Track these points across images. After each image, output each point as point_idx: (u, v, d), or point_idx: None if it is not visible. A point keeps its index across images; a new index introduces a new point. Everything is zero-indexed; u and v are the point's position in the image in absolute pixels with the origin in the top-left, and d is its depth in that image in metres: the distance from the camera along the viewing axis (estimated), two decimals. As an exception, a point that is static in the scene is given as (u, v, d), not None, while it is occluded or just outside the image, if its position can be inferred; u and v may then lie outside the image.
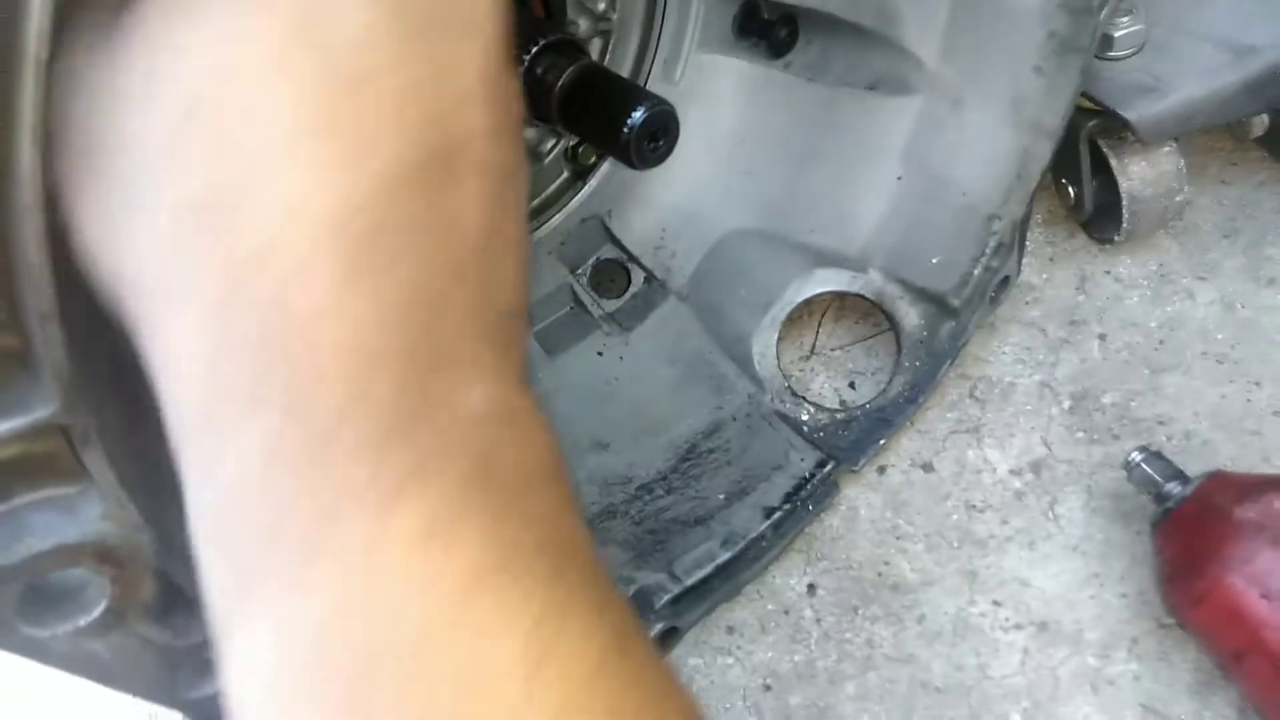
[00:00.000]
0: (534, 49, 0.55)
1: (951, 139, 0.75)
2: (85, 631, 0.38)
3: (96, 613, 0.38)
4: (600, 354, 0.85)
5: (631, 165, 0.55)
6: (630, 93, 0.54)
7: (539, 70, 0.56)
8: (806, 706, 0.71)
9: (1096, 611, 0.70)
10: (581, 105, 0.55)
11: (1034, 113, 0.71)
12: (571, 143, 0.80)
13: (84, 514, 0.37)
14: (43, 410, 0.33)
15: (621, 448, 0.80)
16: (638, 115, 0.52)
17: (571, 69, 0.55)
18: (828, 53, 0.80)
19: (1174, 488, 0.65)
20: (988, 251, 0.75)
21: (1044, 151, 0.71)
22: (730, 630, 0.74)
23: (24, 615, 0.36)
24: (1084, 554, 0.72)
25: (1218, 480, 0.64)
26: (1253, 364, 0.79)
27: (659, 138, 0.54)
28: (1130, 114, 0.74)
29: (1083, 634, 0.69)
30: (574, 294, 0.86)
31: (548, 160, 0.79)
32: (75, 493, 0.37)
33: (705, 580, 0.72)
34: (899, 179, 0.79)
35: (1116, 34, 0.75)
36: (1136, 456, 0.67)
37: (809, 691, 0.71)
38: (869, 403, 0.80)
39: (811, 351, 0.86)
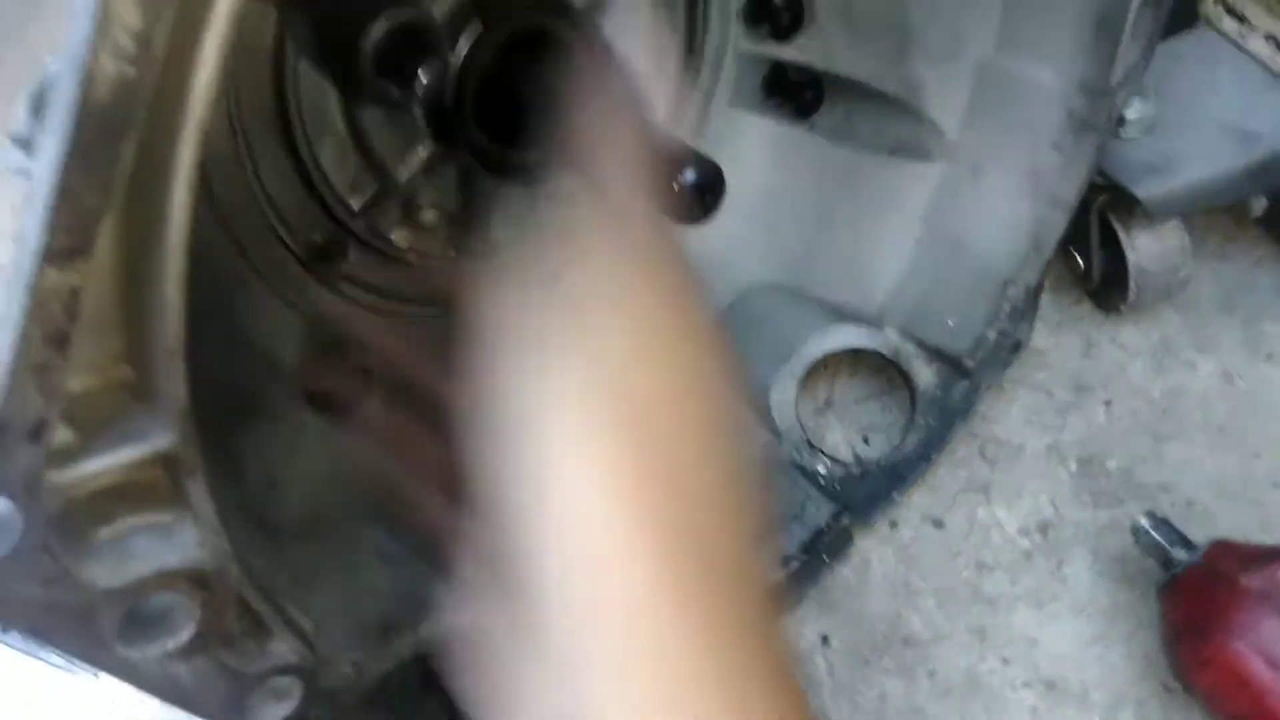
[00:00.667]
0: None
1: (970, 206, 0.79)
2: (172, 654, 0.40)
3: (185, 636, 0.39)
4: (622, 399, 0.87)
5: (679, 221, 0.57)
6: (679, 152, 0.57)
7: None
8: (819, 756, 0.72)
9: (1103, 672, 0.72)
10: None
11: (1050, 186, 0.74)
12: (606, 194, 0.82)
13: (180, 540, 0.38)
14: (160, 440, 0.35)
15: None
16: (688, 175, 0.55)
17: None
18: (852, 116, 0.84)
19: (1181, 554, 0.67)
20: (1002, 316, 0.78)
21: (1059, 223, 0.75)
22: (748, 675, 0.75)
23: (122, 637, 0.38)
24: (1090, 615, 0.75)
25: (1223, 548, 0.66)
26: (1251, 436, 0.82)
27: (706, 194, 0.57)
28: (1140, 191, 0.78)
29: (1089, 694, 0.72)
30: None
31: (582, 210, 0.81)
32: (172, 520, 0.38)
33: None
34: (918, 241, 0.82)
35: (1129, 115, 0.79)
36: (1144, 522, 0.70)
37: (822, 742, 0.73)
38: (883, 458, 0.82)
39: (827, 404, 0.89)
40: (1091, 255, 0.86)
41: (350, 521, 0.71)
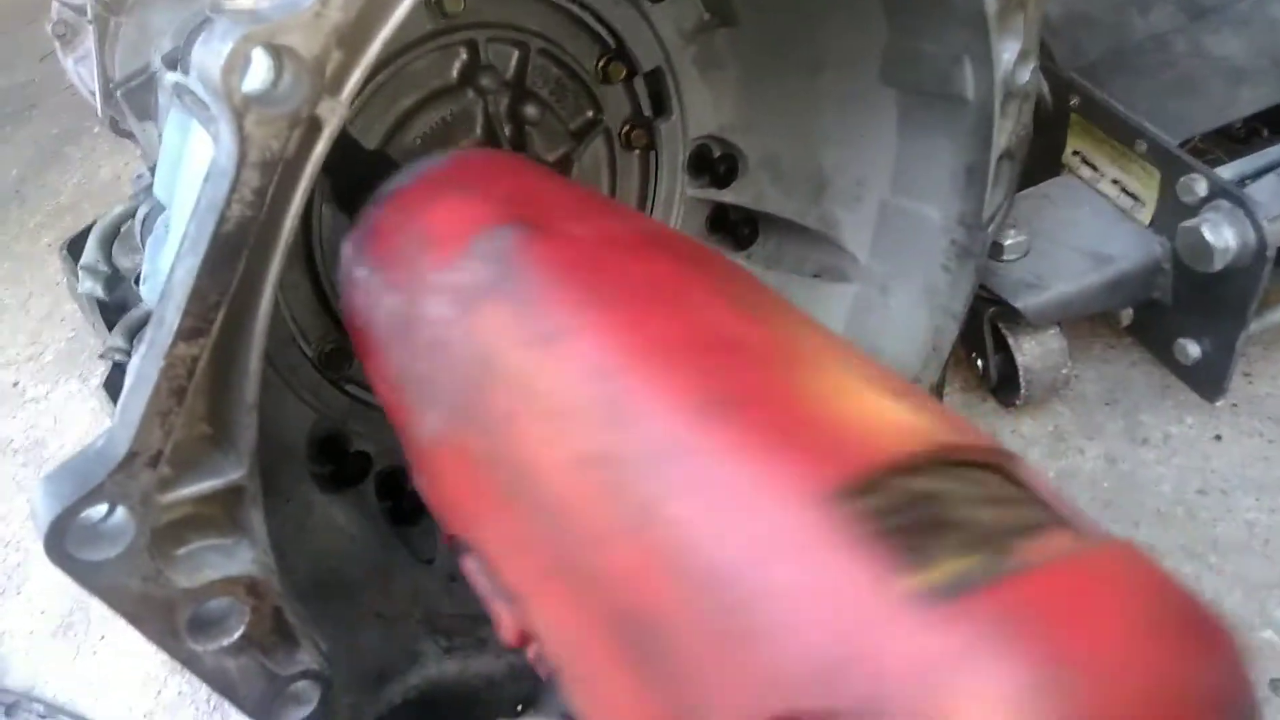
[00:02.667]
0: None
1: (880, 318, 0.94)
2: (225, 650, 0.51)
3: (236, 635, 0.51)
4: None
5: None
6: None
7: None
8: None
9: None
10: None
11: (943, 300, 0.90)
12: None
13: (239, 557, 0.50)
14: (234, 474, 0.48)
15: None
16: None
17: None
18: (781, 247, 1.00)
19: None
20: (910, 409, 0.92)
21: (952, 330, 0.90)
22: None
23: (190, 631, 0.49)
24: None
25: None
26: (1132, 509, 0.96)
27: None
28: (1019, 304, 0.94)
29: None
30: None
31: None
32: (232, 543, 0.51)
33: None
34: (839, 349, 0.97)
35: (1006, 243, 0.95)
36: None
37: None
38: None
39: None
40: (988, 359, 1.01)
41: (349, 587, 0.82)
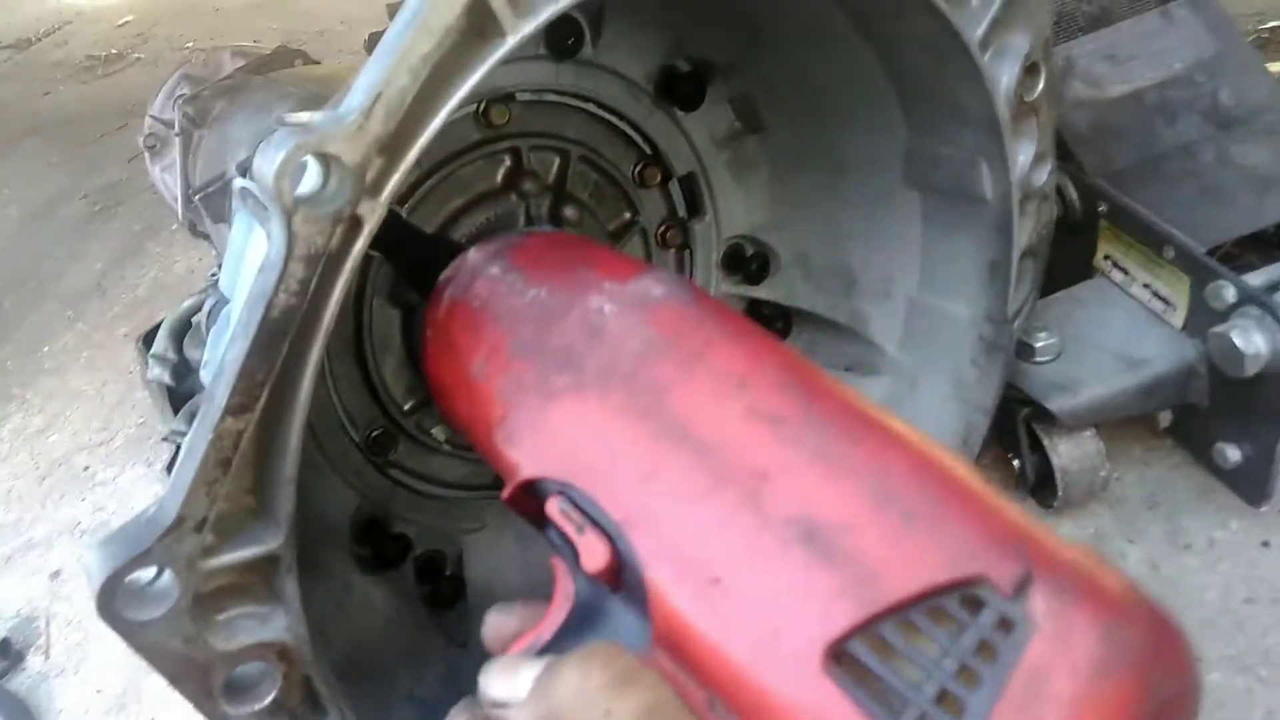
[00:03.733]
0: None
1: (910, 411, 0.95)
2: (257, 715, 0.54)
3: (268, 700, 0.54)
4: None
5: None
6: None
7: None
8: None
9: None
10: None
11: (973, 395, 0.91)
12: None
13: (274, 624, 0.53)
14: (273, 543, 0.51)
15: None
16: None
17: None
18: (815, 341, 1.03)
19: None
20: (942, 505, 0.93)
21: (982, 425, 0.91)
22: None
23: (225, 694, 0.52)
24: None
25: None
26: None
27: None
28: (1052, 406, 0.95)
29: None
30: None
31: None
32: (268, 611, 0.54)
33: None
34: (871, 444, 0.98)
35: (1036, 344, 0.97)
36: None
37: None
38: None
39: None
40: (1024, 459, 1.01)
41: (384, 668, 0.84)
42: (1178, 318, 0.96)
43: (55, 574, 1.24)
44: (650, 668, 0.43)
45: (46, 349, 1.68)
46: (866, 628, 0.37)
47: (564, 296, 0.58)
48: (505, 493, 0.54)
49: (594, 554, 0.46)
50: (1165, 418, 1.03)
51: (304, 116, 0.45)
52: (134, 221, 2.06)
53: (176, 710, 1.07)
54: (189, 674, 0.50)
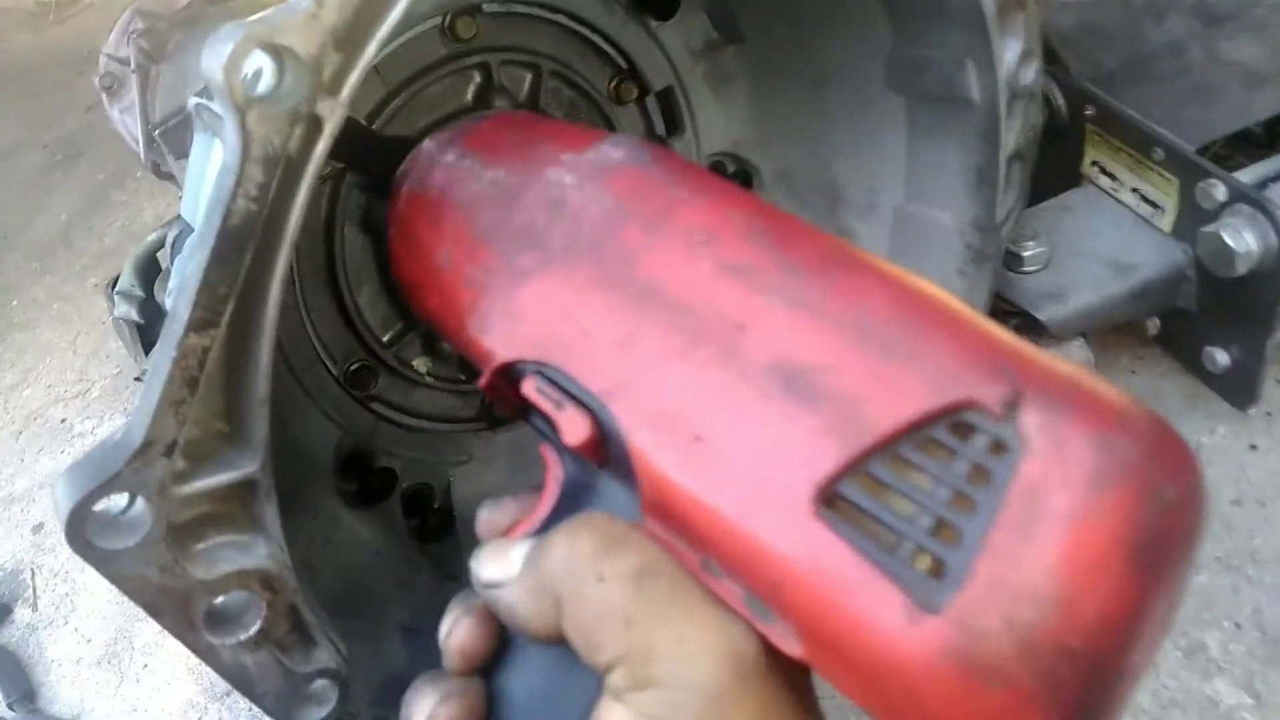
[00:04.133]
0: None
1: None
2: (242, 645, 0.52)
3: (253, 630, 0.52)
4: (613, 505, 1.00)
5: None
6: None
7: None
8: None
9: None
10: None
11: (960, 307, 0.90)
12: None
13: (254, 552, 0.52)
14: (249, 468, 0.50)
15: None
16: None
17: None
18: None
19: None
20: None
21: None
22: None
23: (208, 624, 0.51)
24: None
25: None
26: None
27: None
28: (1041, 315, 0.93)
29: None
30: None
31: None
32: (248, 540, 0.52)
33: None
34: (860, 361, 0.97)
35: (1025, 254, 0.95)
36: None
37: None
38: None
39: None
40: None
41: (375, 601, 0.83)
42: (1166, 221, 0.95)
43: (38, 527, 1.22)
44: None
45: (15, 303, 1.64)
46: (855, 467, 0.36)
47: (522, 174, 0.57)
48: (482, 380, 0.52)
49: (575, 427, 0.45)
50: (1153, 325, 1.02)
51: (257, 16, 0.43)
52: (97, 171, 2.01)
53: (168, 656, 1.07)
54: (168, 604, 0.48)
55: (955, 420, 0.36)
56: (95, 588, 1.15)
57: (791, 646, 0.38)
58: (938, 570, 0.34)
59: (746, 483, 0.38)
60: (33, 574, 1.18)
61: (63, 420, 1.34)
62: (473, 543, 0.91)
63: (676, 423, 0.41)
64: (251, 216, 0.43)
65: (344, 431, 0.84)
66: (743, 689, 0.38)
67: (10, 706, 1.05)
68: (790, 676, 0.40)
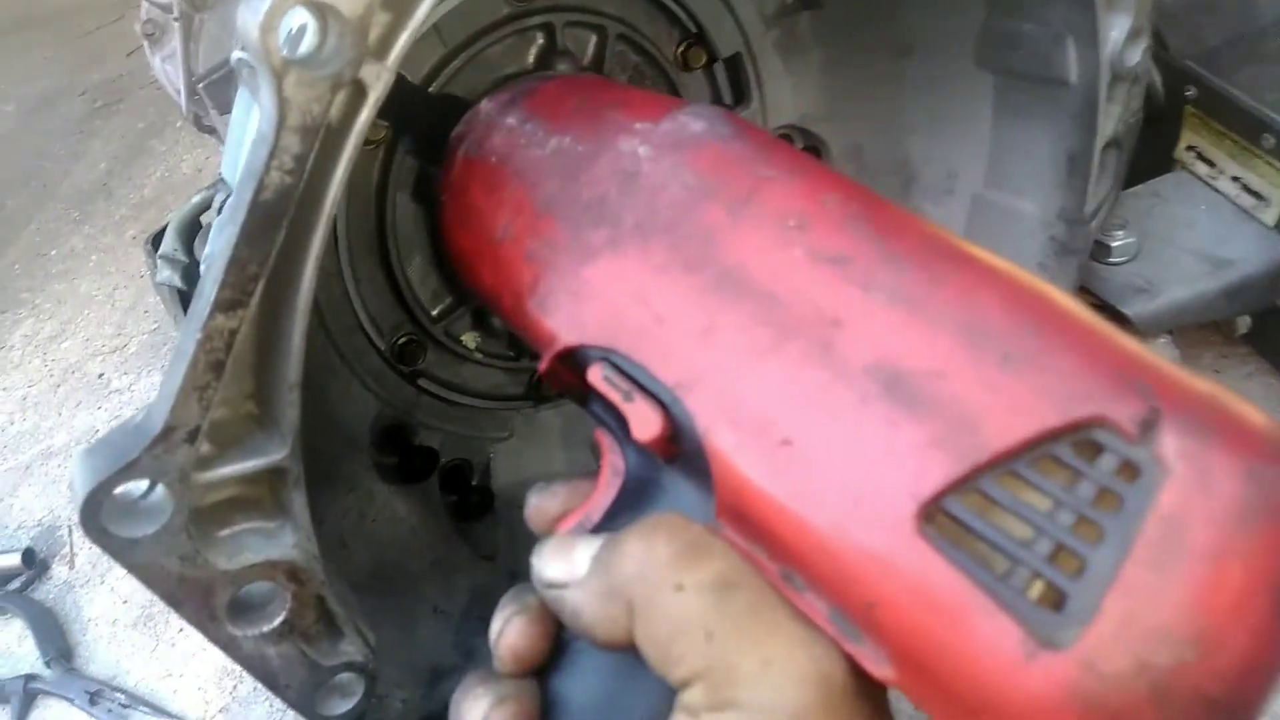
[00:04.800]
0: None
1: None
2: (266, 636, 0.50)
3: (277, 622, 0.50)
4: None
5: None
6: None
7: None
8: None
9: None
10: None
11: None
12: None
13: (280, 541, 0.49)
14: (277, 455, 0.46)
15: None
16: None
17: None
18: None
19: None
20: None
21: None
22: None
23: (230, 615, 0.48)
24: None
25: None
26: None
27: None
28: (1128, 310, 0.87)
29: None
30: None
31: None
32: (275, 527, 0.49)
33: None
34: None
35: (1113, 244, 0.89)
36: None
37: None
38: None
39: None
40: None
41: (408, 580, 0.80)
42: (1271, 214, 0.87)
43: (80, 479, 1.22)
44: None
45: (54, 252, 1.63)
46: (964, 484, 0.33)
47: (591, 143, 0.52)
48: (542, 364, 0.48)
49: (646, 422, 0.41)
50: (1244, 323, 0.95)
51: (297, -36, 0.38)
52: (137, 119, 1.99)
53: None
54: (189, 595, 0.46)
55: (1082, 438, 0.32)
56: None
57: (883, 670, 0.35)
58: (1055, 601, 0.31)
59: (841, 492, 0.35)
60: (70, 531, 1.18)
61: (100, 375, 1.34)
62: (512, 523, 0.89)
63: (762, 423, 0.38)
64: (286, 190, 0.39)
65: (383, 403, 0.81)
66: (830, 715, 0.36)
67: (47, 664, 1.05)
68: (875, 699, 0.37)
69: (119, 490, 0.42)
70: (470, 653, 0.77)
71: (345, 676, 0.54)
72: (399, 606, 0.77)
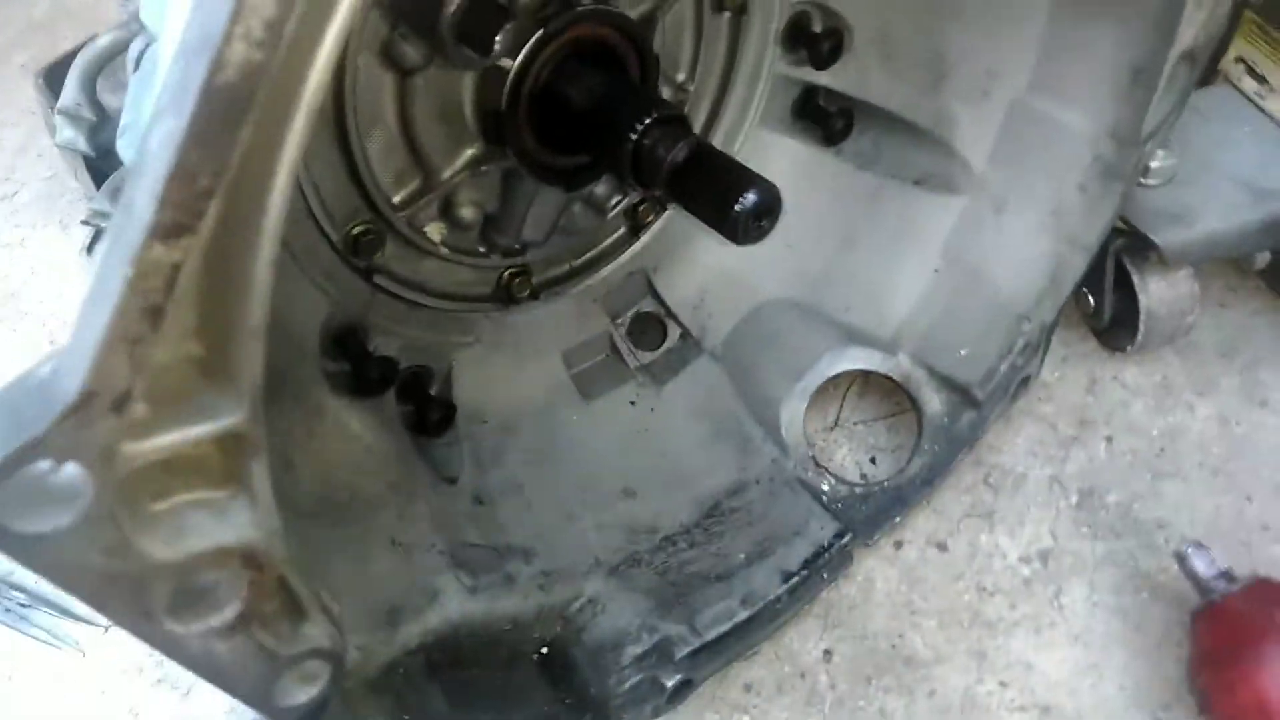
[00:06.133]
0: (646, 122, 0.59)
1: (991, 240, 0.80)
2: (215, 631, 0.40)
3: (230, 615, 0.40)
4: (633, 403, 0.88)
5: (735, 240, 0.58)
6: (742, 174, 0.58)
7: (648, 142, 0.59)
8: (818, 769, 0.73)
9: (1096, 700, 0.74)
10: (692, 180, 0.59)
11: (1073, 227, 0.76)
12: (634, 200, 0.83)
13: (234, 519, 0.39)
14: (231, 418, 0.36)
15: (648, 497, 0.82)
16: (750, 197, 0.56)
17: (683, 145, 0.58)
18: (880, 145, 0.85)
19: (1220, 584, 0.70)
20: (1015, 350, 0.80)
21: (1079, 264, 0.76)
22: (747, 688, 0.76)
23: (170, 611, 0.38)
24: (1085, 644, 0.76)
25: (1264, 585, 0.69)
26: (1245, 479, 0.84)
27: (764, 218, 0.58)
28: (1158, 238, 0.80)
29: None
30: (612, 342, 0.89)
31: (610, 215, 0.82)
32: (224, 498, 0.39)
33: (723, 636, 0.74)
34: (936, 271, 0.83)
35: (1152, 164, 0.80)
36: (1189, 549, 0.71)
37: (820, 755, 0.74)
38: (888, 480, 0.83)
39: (835, 423, 0.90)
40: (1104, 296, 0.87)
41: (362, 507, 0.71)
42: (1322, 144, 0.80)
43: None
44: None
45: (-73, 80, 1.40)
46: None
47: None
48: None
49: None
50: (1262, 258, 0.89)
51: None
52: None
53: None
54: (117, 594, 0.35)
55: None
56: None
57: None
58: None
59: None
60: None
61: (-12, 228, 1.16)
62: (475, 441, 0.79)
63: None
64: (253, 71, 0.27)
65: (335, 305, 0.70)
66: None
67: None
68: None
69: (19, 474, 0.31)
70: (432, 594, 0.69)
71: (309, 664, 0.45)
72: (352, 538, 0.68)
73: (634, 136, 0.59)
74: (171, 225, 0.29)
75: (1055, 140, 0.75)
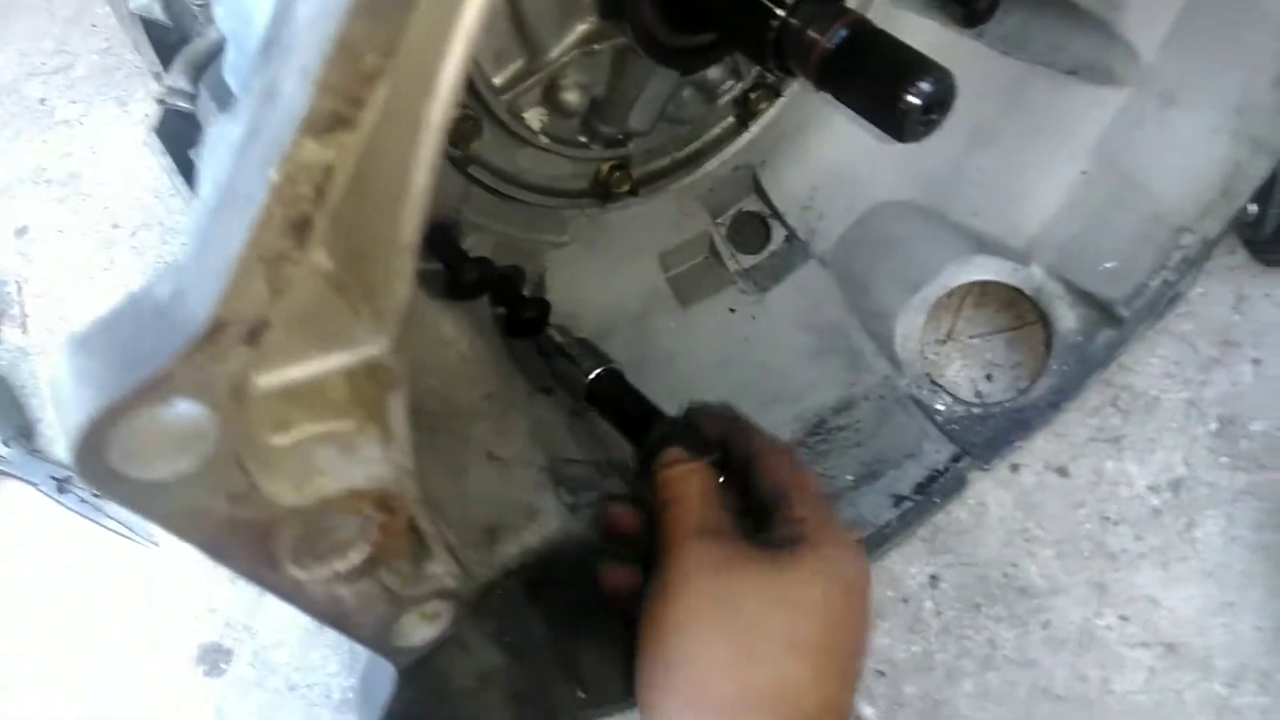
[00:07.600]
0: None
1: (1153, 140, 0.71)
2: (341, 576, 0.35)
3: (357, 559, 0.35)
4: (733, 311, 0.82)
5: (899, 138, 0.51)
6: (912, 59, 0.50)
7: (797, 21, 0.51)
8: (921, 698, 0.70)
9: (1228, 640, 0.69)
10: (851, 67, 0.51)
11: (1259, 127, 0.67)
12: (746, 86, 0.75)
13: (365, 455, 0.34)
14: (373, 347, 0.30)
15: (748, 412, 0.77)
16: (924, 86, 0.48)
17: (840, 26, 0.50)
18: (1029, 27, 0.75)
19: None
20: (1170, 266, 0.72)
21: (1260, 170, 0.68)
22: (853, 613, 0.72)
23: (294, 558, 0.33)
24: (1219, 581, 0.71)
25: None
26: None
27: (935, 110, 0.50)
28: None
29: (1212, 660, 0.69)
30: (712, 244, 0.83)
31: (721, 102, 0.74)
32: (352, 430, 0.34)
33: (829, 560, 0.70)
34: (1083, 173, 0.75)
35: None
36: None
37: (925, 683, 0.70)
38: (1009, 402, 0.77)
39: (948, 336, 0.84)
40: (1270, 205, 0.79)
41: (457, 419, 0.67)
42: None
43: (21, 230, 1.03)
44: None
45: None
46: None
47: None
48: None
49: None
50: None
51: None
52: None
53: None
54: (240, 543, 0.31)
55: None
56: (94, 304, 0.97)
57: None
58: None
59: None
60: (19, 288, 1.00)
61: (42, 100, 1.10)
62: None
63: None
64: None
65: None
66: None
67: (4, 443, 0.92)
68: None
69: (138, 415, 0.26)
70: (531, 512, 0.65)
71: (431, 605, 0.41)
72: (446, 451, 0.64)
73: (782, 13, 0.51)
74: (328, 117, 0.23)
75: (1251, 23, 0.65)
